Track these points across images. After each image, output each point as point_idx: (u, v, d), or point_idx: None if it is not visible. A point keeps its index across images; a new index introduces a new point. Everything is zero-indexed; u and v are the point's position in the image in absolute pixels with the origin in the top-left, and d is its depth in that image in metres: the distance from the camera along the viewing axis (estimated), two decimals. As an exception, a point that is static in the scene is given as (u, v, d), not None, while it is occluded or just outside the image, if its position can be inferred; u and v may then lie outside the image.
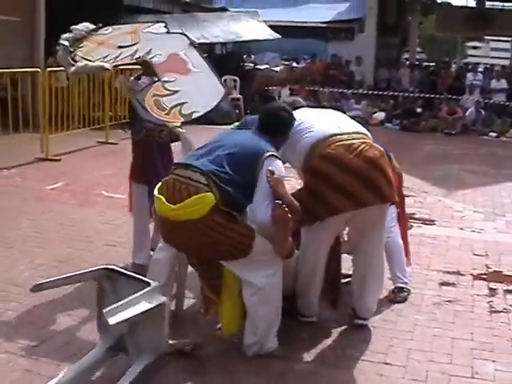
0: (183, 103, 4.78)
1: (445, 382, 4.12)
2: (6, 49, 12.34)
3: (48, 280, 4.05)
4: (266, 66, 21.77)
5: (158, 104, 4.74)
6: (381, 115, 18.35)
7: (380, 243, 4.77)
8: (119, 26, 5.78)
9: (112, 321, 3.47)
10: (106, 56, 5.30)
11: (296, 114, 4.61)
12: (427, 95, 18.69)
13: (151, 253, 5.51)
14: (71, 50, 5.36)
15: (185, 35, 5.61)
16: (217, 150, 4.17)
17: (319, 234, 4.60)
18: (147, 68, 5.35)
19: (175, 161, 5.38)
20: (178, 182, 4.06)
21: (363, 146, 4.48)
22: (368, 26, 21.37)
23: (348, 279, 5.23)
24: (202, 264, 4.27)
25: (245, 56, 22.40)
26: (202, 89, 5.03)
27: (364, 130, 4.78)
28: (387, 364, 4.31)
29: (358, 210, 4.45)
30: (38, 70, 11.22)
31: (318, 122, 4.65)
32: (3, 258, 5.90)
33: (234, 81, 17.56)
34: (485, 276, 6.06)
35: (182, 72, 5.11)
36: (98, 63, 5.24)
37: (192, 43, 5.45)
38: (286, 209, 4.00)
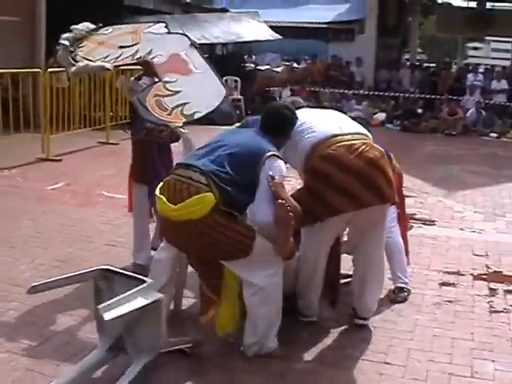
0: (185, 103, 4.79)
1: (445, 381, 4.13)
2: (7, 49, 12.35)
3: (44, 282, 4.06)
4: (267, 66, 21.78)
5: (160, 104, 4.74)
6: (381, 116, 18.36)
7: (380, 243, 4.78)
8: (119, 26, 5.79)
9: (107, 316, 3.48)
10: (107, 56, 5.31)
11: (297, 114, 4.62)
12: (428, 96, 18.69)
13: (152, 253, 5.53)
14: (71, 49, 5.36)
15: (185, 36, 5.62)
16: (218, 149, 4.17)
17: (320, 235, 4.60)
18: (148, 68, 5.35)
19: (175, 161, 5.41)
20: (178, 182, 4.07)
21: (364, 146, 4.49)
22: (368, 27, 21.37)
23: (348, 279, 5.24)
24: (202, 264, 4.27)
25: (246, 57, 22.43)
26: (203, 89, 5.04)
27: (364, 131, 4.79)
28: (387, 364, 4.32)
29: (359, 210, 4.46)
30: (39, 70, 11.23)
31: (318, 122, 4.66)
32: (4, 257, 5.91)
33: (235, 81, 17.56)
34: (485, 276, 6.07)
35: (183, 72, 5.11)
36: (98, 63, 5.25)
37: (193, 44, 5.46)
38: (288, 207, 4.01)
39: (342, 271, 5.28)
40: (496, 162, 12.88)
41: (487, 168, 12.07)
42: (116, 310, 3.54)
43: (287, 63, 23.65)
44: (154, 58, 5.21)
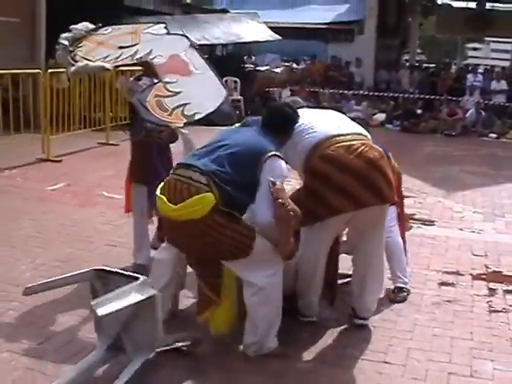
0: (185, 104, 4.79)
1: (444, 380, 4.14)
2: (7, 50, 12.35)
3: (39, 283, 4.08)
4: (267, 67, 21.78)
5: (160, 105, 4.75)
6: (381, 116, 18.37)
7: (380, 243, 4.79)
8: (119, 27, 5.78)
9: (100, 312, 3.50)
10: (107, 56, 5.30)
11: (296, 113, 4.63)
12: (427, 96, 18.70)
13: (152, 252, 5.55)
14: (71, 49, 5.35)
15: (185, 36, 5.63)
16: (218, 149, 4.18)
17: (319, 235, 4.62)
18: (148, 69, 5.36)
19: (174, 161, 5.42)
20: (179, 182, 4.08)
21: (363, 147, 4.50)
22: (368, 28, 21.39)
23: (348, 279, 5.25)
24: (202, 263, 4.27)
25: (245, 57, 22.44)
26: (203, 90, 5.05)
27: (364, 131, 4.80)
28: (387, 363, 4.33)
29: (358, 210, 4.47)
30: (39, 70, 11.23)
31: (318, 122, 4.67)
32: (5, 257, 5.92)
33: (235, 82, 17.56)
34: (484, 276, 6.08)
35: (184, 73, 5.12)
36: (98, 63, 5.24)
37: (192, 45, 5.47)
38: (289, 207, 4.02)
39: (342, 271, 5.31)
40: (495, 163, 12.89)
41: (486, 168, 12.09)
42: (109, 305, 3.56)
43: (287, 64, 23.65)
44: (153, 58, 5.20)
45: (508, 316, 5.21)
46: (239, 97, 17.23)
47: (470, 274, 6.10)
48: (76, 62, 5.26)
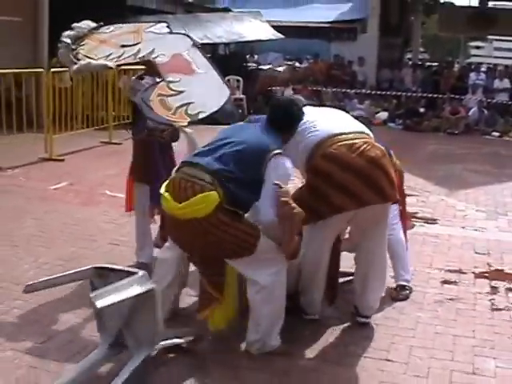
0: (189, 103, 4.79)
1: (446, 378, 4.15)
2: (10, 49, 12.39)
3: (39, 280, 4.10)
4: (269, 66, 21.81)
5: (164, 104, 4.74)
6: (384, 115, 18.37)
7: (382, 241, 4.79)
8: (121, 25, 5.78)
9: (99, 304, 3.52)
10: (109, 55, 5.30)
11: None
12: (430, 95, 18.70)
13: (155, 251, 5.56)
14: (73, 47, 5.35)
15: (187, 36, 5.63)
16: (223, 147, 4.16)
17: (322, 232, 4.63)
18: (150, 68, 5.36)
19: (176, 160, 5.42)
20: (183, 181, 4.09)
21: (365, 145, 4.51)
22: (370, 27, 21.39)
23: (350, 277, 5.26)
24: (206, 261, 4.26)
25: (248, 56, 22.43)
26: (207, 89, 5.05)
27: (366, 130, 4.80)
28: (389, 361, 4.34)
29: (360, 208, 4.48)
30: (42, 70, 11.25)
31: (320, 121, 4.67)
32: (8, 256, 5.94)
33: (237, 81, 17.58)
34: (487, 274, 6.08)
35: (186, 72, 5.12)
36: (101, 62, 5.23)
37: (195, 44, 5.47)
38: (293, 205, 4.03)
39: (345, 269, 5.33)
40: (498, 161, 12.89)
41: (489, 167, 12.09)
42: (108, 298, 3.58)
43: (289, 63, 23.68)
44: (156, 57, 5.20)
45: (510, 314, 5.22)
46: (242, 96, 17.25)
47: (473, 272, 6.11)
48: (78, 60, 5.25)
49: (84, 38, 5.48)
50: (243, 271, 4.23)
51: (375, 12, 21.20)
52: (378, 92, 19.29)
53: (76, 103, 12.02)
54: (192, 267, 4.89)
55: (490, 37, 52.65)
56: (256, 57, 23.74)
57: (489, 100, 18.25)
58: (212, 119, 4.91)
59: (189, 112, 4.75)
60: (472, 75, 19.63)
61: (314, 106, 5.39)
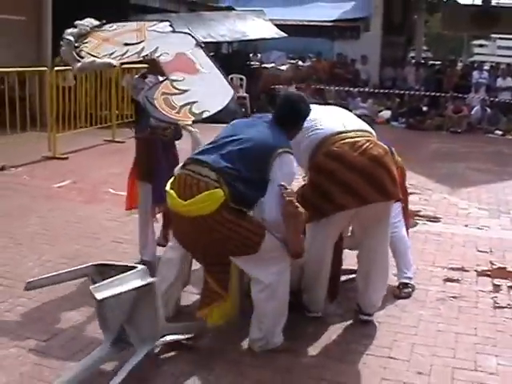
0: (193, 102, 4.79)
1: (448, 375, 4.16)
2: (14, 48, 12.42)
3: (41, 277, 4.12)
4: (272, 64, 21.79)
5: (168, 102, 4.74)
6: (387, 113, 18.39)
7: (384, 239, 4.80)
8: (123, 24, 5.79)
9: (99, 296, 3.54)
10: (113, 53, 5.29)
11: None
12: (433, 93, 18.69)
13: (159, 249, 5.58)
14: (76, 45, 5.35)
15: (190, 35, 5.64)
16: (230, 144, 4.16)
17: (325, 230, 4.64)
18: (154, 66, 5.36)
19: (179, 158, 5.43)
20: (189, 177, 4.10)
21: (368, 143, 4.52)
22: (373, 25, 21.41)
23: (353, 275, 5.27)
24: (211, 259, 4.27)
25: (251, 55, 22.41)
26: (211, 89, 5.05)
27: (368, 128, 4.81)
28: (391, 358, 4.35)
29: (362, 206, 4.49)
30: (46, 69, 11.28)
31: (323, 119, 4.68)
32: (12, 254, 5.97)
33: (241, 79, 17.58)
34: (489, 272, 6.09)
35: (190, 72, 5.12)
36: (105, 60, 5.22)
37: (198, 43, 5.48)
38: (297, 204, 4.04)
39: (349, 267, 5.34)
40: (501, 160, 12.90)
41: (492, 165, 12.09)
42: (108, 290, 3.60)
43: (292, 61, 23.64)
44: (159, 56, 5.21)
45: (513, 312, 5.24)
46: (245, 94, 17.24)
47: (475, 271, 6.12)
48: (81, 57, 5.26)
49: (87, 36, 5.48)
50: (247, 269, 4.24)
51: (378, 10, 21.23)
52: (381, 90, 19.30)
53: (79, 102, 12.03)
54: (194, 266, 4.92)
55: (493, 35, 52.62)
56: (259, 55, 23.71)
57: (492, 98, 18.25)
58: (215, 118, 4.91)
59: (193, 111, 4.76)
60: (475, 74, 19.64)
61: (317, 104, 5.40)
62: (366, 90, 19.23)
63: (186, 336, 4.26)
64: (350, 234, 5.37)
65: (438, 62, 25.15)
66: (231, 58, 19.17)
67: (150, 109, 4.78)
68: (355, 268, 5.12)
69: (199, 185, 4.01)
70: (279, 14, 21.81)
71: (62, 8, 12.80)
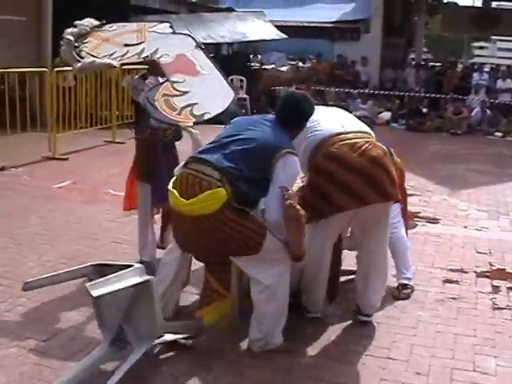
0: (194, 104, 4.80)
1: (447, 375, 4.17)
2: (14, 49, 12.43)
3: (39, 277, 4.13)
4: (273, 65, 21.82)
5: (169, 104, 4.75)
6: (387, 115, 18.38)
7: (383, 240, 4.81)
8: (123, 24, 5.79)
9: (95, 293, 3.55)
10: (113, 53, 5.30)
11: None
12: (433, 95, 18.68)
13: (158, 250, 5.58)
14: (76, 44, 5.35)
15: (190, 36, 5.64)
16: (233, 143, 4.16)
17: (324, 231, 4.64)
18: (154, 68, 5.36)
19: (180, 160, 5.43)
20: (191, 176, 4.09)
21: (367, 145, 4.53)
22: (374, 27, 21.40)
23: (352, 276, 5.28)
24: (212, 258, 4.28)
25: (251, 56, 22.46)
26: (212, 91, 5.06)
27: (367, 129, 4.82)
28: (390, 359, 4.36)
29: (361, 207, 4.50)
30: (46, 69, 11.29)
31: (322, 121, 4.69)
32: (12, 254, 5.97)
33: (241, 81, 17.59)
34: (488, 273, 6.09)
35: (191, 73, 5.13)
36: (105, 60, 5.22)
37: (198, 45, 5.48)
38: (298, 207, 4.04)
39: (348, 268, 5.35)
40: (501, 161, 12.90)
41: (492, 167, 12.09)
42: (104, 288, 3.61)
43: (293, 62, 23.69)
44: (160, 57, 5.22)
45: (511, 313, 5.23)
46: (245, 95, 17.25)
47: (474, 272, 6.12)
48: (81, 57, 5.26)
49: (87, 36, 5.48)
50: (247, 270, 4.24)
51: (378, 12, 21.22)
52: (381, 92, 19.30)
53: (79, 102, 12.03)
54: (194, 266, 4.92)
55: (493, 37, 52.59)
56: (259, 57, 23.79)
57: (492, 100, 18.23)
58: (215, 119, 4.92)
59: (194, 112, 4.76)
60: (475, 75, 19.63)
61: (317, 105, 5.41)
62: (366, 91, 19.22)
63: (185, 335, 4.26)
64: (349, 234, 5.38)
65: (438, 64, 25.15)
66: (231, 60, 19.18)
67: (151, 110, 4.78)
68: (354, 269, 5.13)
69: (202, 184, 4.02)
70: (279, 15, 21.85)
71: (62, 9, 12.82)
